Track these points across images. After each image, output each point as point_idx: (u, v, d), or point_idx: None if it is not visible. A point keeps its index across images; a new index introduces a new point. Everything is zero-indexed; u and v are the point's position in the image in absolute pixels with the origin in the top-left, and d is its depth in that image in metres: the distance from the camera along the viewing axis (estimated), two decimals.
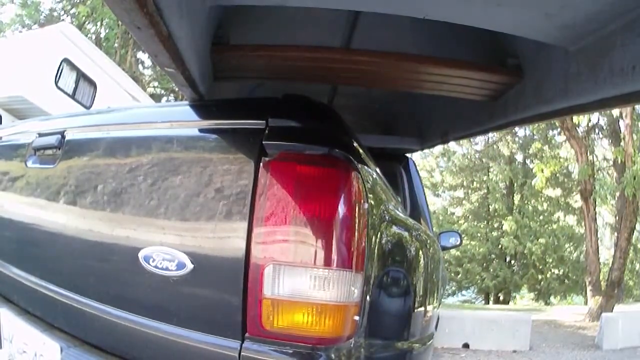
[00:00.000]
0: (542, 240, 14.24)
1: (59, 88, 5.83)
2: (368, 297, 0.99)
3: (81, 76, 6.20)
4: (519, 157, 15.50)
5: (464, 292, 15.64)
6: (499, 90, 1.88)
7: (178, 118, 1.26)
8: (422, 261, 1.53)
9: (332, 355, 0.92)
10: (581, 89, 1.43)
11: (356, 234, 0.92)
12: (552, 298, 15.09)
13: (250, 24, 1.84)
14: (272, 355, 0.92)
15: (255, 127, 0.99)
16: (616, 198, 8.92)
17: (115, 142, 1.32)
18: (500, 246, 14.68)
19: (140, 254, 1.06)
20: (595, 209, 9.22)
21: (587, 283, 8.85)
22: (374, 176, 1.19)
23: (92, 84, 6.44)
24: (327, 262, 0.89)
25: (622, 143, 8.83)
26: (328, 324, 0.91)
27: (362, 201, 0.95)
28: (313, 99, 1.11)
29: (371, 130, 3.34)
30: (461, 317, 5.69)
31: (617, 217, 10.66)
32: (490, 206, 15.43)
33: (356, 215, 0.92)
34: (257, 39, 1.84)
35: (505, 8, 1.29)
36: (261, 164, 0.94)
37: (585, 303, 10.66)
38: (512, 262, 15.19)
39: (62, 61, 5.83)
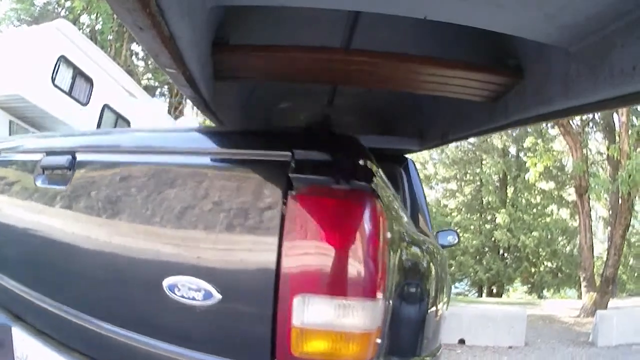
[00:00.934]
0: (535, 234, 14.29)
1: (55, 86, 5.78)
2: (388, 319, 1.02)
3: (77, 73, 6.14)
4: (512, 150, 15.54)
5: (457, 284, 15.63)
6: (499, 91, 1.89)
7: (202, 146, 1.25)
8: (432, 275, 1.57)
9: None
10: (581, 90, 1.43)
11: (380, 263, 0.95)
12: (545, 291, 15.18)
13: (250, 24, 1.84)
14: None
15: (281, 159, 1.02)
16: (610, 193, 8.94)
17: (134, 167, 1.30)
18: (493, 239, 14.72)
19: (165, 283, 1.06)
20: (589, 205, 9.28)
21: (582, 279, 8.94)
22: (391, 199, 1.22)
23: (89, 80, 6.38)
24: (354, 292, 0.93)
25: (617, 140, 8.88)
26: (353, 349, 0.95)
27: (385, 231, 0.98)
28: (336, 131, 1.16)
29: (371, 130, 3.34)
30: (457, 313, 5.69)
31: (610, 212, 10.69)
32: (483, 199, 15.47)
33: (380, 245, 0.95)
34: (257, 39, 1.84)
35: (506, 9, 1.29)
36: (289, 197, 0.97)
37: (579, 297, 10.72)
38: (505, 255, 15.25)
39: (58, 58, 5.78)
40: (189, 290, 1.03)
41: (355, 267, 0.92)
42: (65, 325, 1.30)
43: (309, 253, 0.94)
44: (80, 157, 1.42)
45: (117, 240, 1.23)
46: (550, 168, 11.41)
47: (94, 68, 6.42)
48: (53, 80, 5.74)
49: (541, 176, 11.53)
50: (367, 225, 0.94)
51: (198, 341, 1.05)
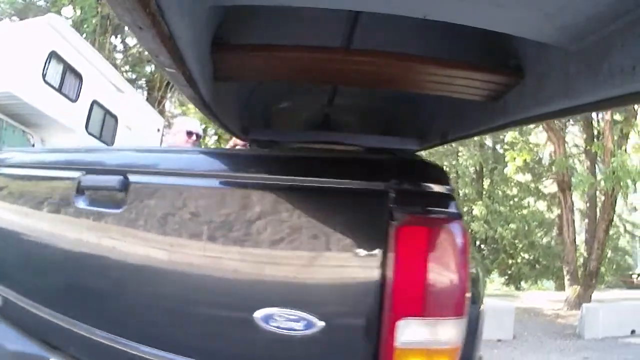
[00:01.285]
0: (512, 225, 14.30)
1: (46, 82, 5.58)
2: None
3: (67, 68, 5.95)
4: (489, 142, 15.56)
5: None
6: (499, 91, 1.88)
7: (291, 172, 1.22)
8: (480, 280, 1.66)
9: None
10: (581, 89, 1.43)
11: (467, 283, 1.04)
12: (523, 283, 15.30)
13: (250, 24, 1.84)
14: None
15: (380, 189, 1.08)
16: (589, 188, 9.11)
17: (214, 192, 1.27)
18: (470, 231, 14.72)
19: (258, 314, 1.08)
20: (572, 200, 9.40)
21: (565, 272, 9.11)
22: None
23: (78, 76, 6.19)
24: (448, 312, 1.03)
25: (596, 134, 9.02)
26: None
27: (469, 252, 1.08)
28: (426, 159, 1.24)
29: (371, 130, 3.34)
30: None
31: (587, 204, 10.87)
32: (460, 191, 15.41)
33: (468, 267, 1.05)
34: (257, 39, 1.84)
35: (506, 8, 1.29)
36: (390, 227, 1.04)
37: (557, 289, 10.80)
38: (482, 246, 15.23)
39: (49, 54, 5.59)
40: (286, 321, 1.06)
41: (451, 289, 1.02)
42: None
43: (410, 278, 1.02)
44: (135, 178, 1.33)
45: (198, 270, 1.20)
46: (528, 161, 11.49)
47: (83, 63, 6.23)
48: (44, 76, 5.55)
49: (518, 169, 11.68)
50: (460, 250, 1.03)
51: None
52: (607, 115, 8.37)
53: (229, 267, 1.18)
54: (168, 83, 12.56)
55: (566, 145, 10.17)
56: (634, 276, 16.44)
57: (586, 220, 10.84)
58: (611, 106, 1.42)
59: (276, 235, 1.13)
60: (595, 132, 9.62)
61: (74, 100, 6.15)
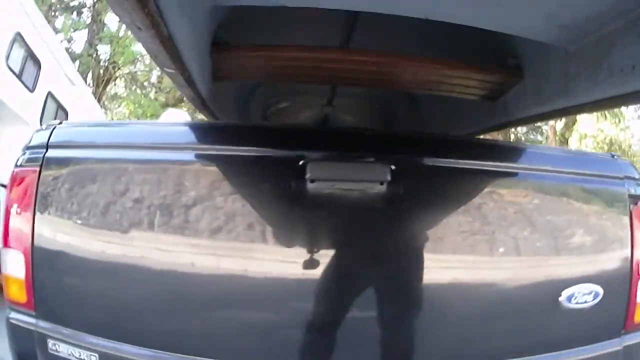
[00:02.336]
0: None
1: (9, 67, 4.77)
2: None
3: (29, 54, 5.18)
4: None
5: None
6: (499, 90, 1.88)
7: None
8: None
9: None
10: (581, 89, 1.43)
11: None
12: None
13: (250, 24, 1.84)
14: None
15: (620, 178, 1.36)
16: None
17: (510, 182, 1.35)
18: None
19: (562, 296, 1.24)
20: None
21: None
22: None
23: (37, 63, 5.40)
24: None
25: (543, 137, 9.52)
26: None
27: None
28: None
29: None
30: None
31: None
32: None
33: None
34: (257, 39, 1.84)
35: (505, 8, 1.28)
36: (633, 210, 1.32)
37: None
38: None
39: (14, 36, 4.83)
40: (582, 295, 1.25)
41: None
42: None
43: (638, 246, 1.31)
44: (402, 166, 1.13)
45: (512, 265, 1.30)
46: None
47: (43, 50, 5.48)
48: (7, 59, 4.74)
49: None
50: None
51: (578, 340, 1.29)
52: (551, 121, 8.87)
53: (537, 256, 1.31)
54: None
55: None
56: None
57: None
58: (610, 106, 1.44)
59: (564, 224, 1.33)
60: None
61: (32, 90, 5.34)
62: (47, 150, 1.23)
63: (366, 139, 1.28)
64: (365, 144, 1.23)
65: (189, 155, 1.22)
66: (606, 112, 10.67)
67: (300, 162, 1.12)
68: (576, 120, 10.47)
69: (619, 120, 11.37)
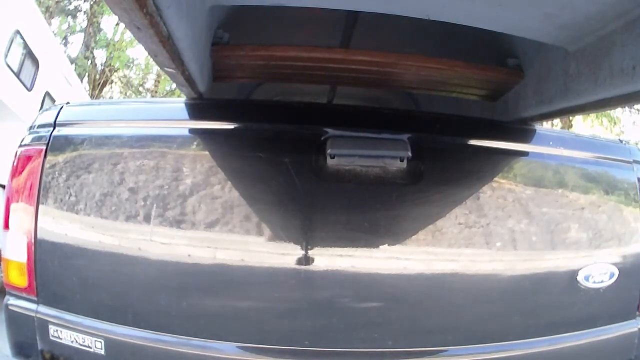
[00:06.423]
0: None
1: (7, 65, 4.76)
2: None
3: (27, 52, 5.20)
4: None
5: None
6: (499, 91, 1.88)
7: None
8: None
9: None
10: (581, 89, 1.43)
11: None
12: None
13: (250, 24, 1.84)
14: None
15: (630, 162, 1.47)
16: None
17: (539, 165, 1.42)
18: None
19: (580, 275, 1.28)
20: None
21: None
22: None
23: (35, 62, 5.43)
24: None
25: None
26: None
27: None
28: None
29: None
30: None
31: None
32: None
33: None
34: (257, 39, 1.84)
35: (506, 8, 1.28)
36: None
37: None
38: None
39: (14, 33, 4.81)
40: (599, 275, 1.28)
41: None
42: None
43: None
44: (425, 143, 1.14)
45: (526, 245, 1.31)
46: None
47: (41, 48, 5.50)
48: (6, 57, 4.73)
49: None
50: None
51: (595, 320, 1.33)
52: (547, 124, 8.92)
53: (554, 235, 1.33)
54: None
55: None
56: None
57: None
58: (611, 106, 1.44)
59: (578, 205, 1.37)
60: None
61: (30, 89, 5.38)
62: (54, 129, 1.19)
63: (387, 116, 1.36)
64: (386, 120, 1.29)
65: (206, 132, 1.22)
66: (602, 117, 10.85)
67: (322, 138, 1.13)
68: (572, 125, 10.67)
69: (614, 124, 11.51)
